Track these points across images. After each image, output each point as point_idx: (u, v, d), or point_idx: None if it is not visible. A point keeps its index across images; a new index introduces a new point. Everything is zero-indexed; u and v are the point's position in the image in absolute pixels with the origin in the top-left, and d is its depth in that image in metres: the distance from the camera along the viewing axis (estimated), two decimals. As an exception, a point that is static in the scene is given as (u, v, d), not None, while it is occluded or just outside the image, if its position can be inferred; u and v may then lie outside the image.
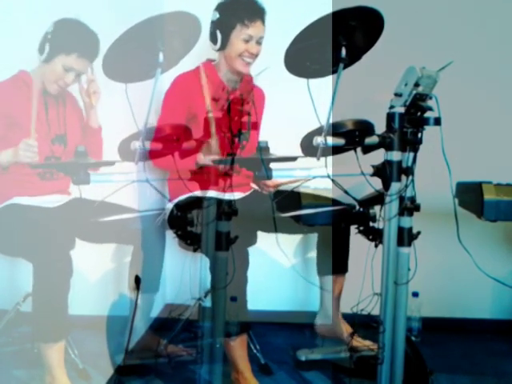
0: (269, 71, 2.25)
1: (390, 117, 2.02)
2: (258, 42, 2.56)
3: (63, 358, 2.27)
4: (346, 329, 2.65)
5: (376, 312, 2.08)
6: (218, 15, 2.51)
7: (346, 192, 2.05)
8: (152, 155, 1.93)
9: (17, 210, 2.40)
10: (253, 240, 2.52)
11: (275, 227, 2.05)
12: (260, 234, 2.58)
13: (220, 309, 2.02)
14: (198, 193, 2.03)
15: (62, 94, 2.57)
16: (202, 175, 2.04)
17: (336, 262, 2.64)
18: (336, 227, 2.54)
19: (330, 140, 1.90)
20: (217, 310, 2.01)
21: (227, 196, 1.96)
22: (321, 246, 2.72)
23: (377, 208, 2.11)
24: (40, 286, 2.20)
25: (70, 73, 2.41)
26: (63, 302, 2.22)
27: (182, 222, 2.00)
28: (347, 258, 2.67)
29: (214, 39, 2.54)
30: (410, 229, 2.07)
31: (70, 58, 2.38)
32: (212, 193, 2.02)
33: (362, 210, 2.14)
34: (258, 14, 2.53)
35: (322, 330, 2.72)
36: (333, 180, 2.00)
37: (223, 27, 2.51)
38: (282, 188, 2.61)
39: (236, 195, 1.99)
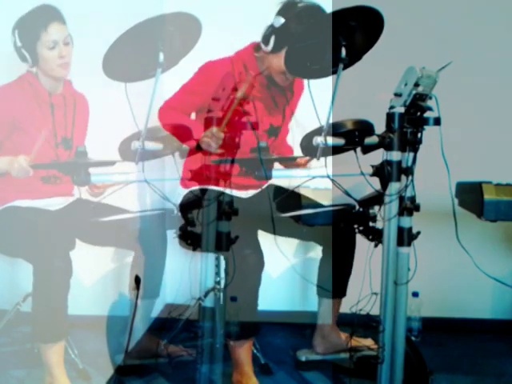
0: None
1: (390, 117, 2.02)
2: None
3: (63, 358, 2.27)
4: (345, 338, 2.63)
5: (375, 312, 2.08)
6: (282, 22, 2.32)
7: (345, 192, 2.05)
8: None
9: (17, 212, 2.40)
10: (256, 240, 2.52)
11: (274, 228, 2.05)
12: (260, 234, 2.58)
13: (220, 309, 2.02)
14: (205, 187, 2.01)
15: (74, 95, 2.56)
16: (201, 175, 2.04)
17: (336, 285, 2.56)
18: (336, 228, 2.53)
19: (330, 140, 1.90)
20: (217, 310, 2.01)
21: (236, 193, 1.95)
22: (323, 269, 2.64)
23: (377, 208, 2.11)
24: (40, 285, 2.20)
25: (57, 47, 2.39)
26: (63, 302, 2.22)
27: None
28: (347, 282, 2.60)
29: (266, 42, 2.36)
30: (410, 229, 2.07)
31: (43, 37, 2.37)
32: (221, 189, 2.00)
33: (361, 210, 2.15)
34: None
35: (322, 348, 2.68)
36: (333, 180, 2.00)
37: (281, 36, 2.32)
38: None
39: (248, 193, 1.94)
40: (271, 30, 2.33)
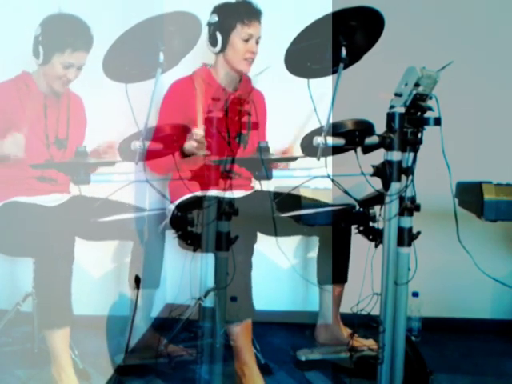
0: (269, 71, 2.26)
1: (390, 117, 2.02)
2: (257, 42, 2.59)
3: (68, 344, 2.27)
4: (346, 333, 2.65)
5: (376, 312, 2.08)
6: (216, 17, 2.53)
7: (346, 192, 2.05)
8: (150, 157, 1.93)
9: (16, 207, 2.39)
10: (253, 239, 2.52)
11: (275, 228, 2.05)
12: (260, 234, 2.58)
13: (220, 309, 2.02)
14: (198, 193, 2.03)
15: (68, 96, 2.56)
16: (202, 175, 2.04)
17: (336, 271, 2.62)
18: (336, 227, 2.53)
19: (330, 140, 1.90)
20: (217, 310, 2.01)
21: (228, 194, 1.96)
22: (322, 256, 2.70)
23: (377, 208, 2.11)
24: (42, 272, 2.22)
25: (71, 69, 2.40)
26: (66, 288, 2.22)
27: (183, 222, 2.00)
28: (347, 267, 2.66)
29: (213, 41, 2.56)
30: (410, 229, 2.07)
31: (65, 55, 2.36)
32: (213, 192, 2.02)
33: (361, 209, 2.14)
34: (256, 14, 2.57)
35: (323, 337, 2.70)
36: (333, 180, 2.00)
37: (223, 28, 2.53)
38: (281, 189, 2.61)
39: (237, 193, 1.99)
40: (212, 28, 2.54)
